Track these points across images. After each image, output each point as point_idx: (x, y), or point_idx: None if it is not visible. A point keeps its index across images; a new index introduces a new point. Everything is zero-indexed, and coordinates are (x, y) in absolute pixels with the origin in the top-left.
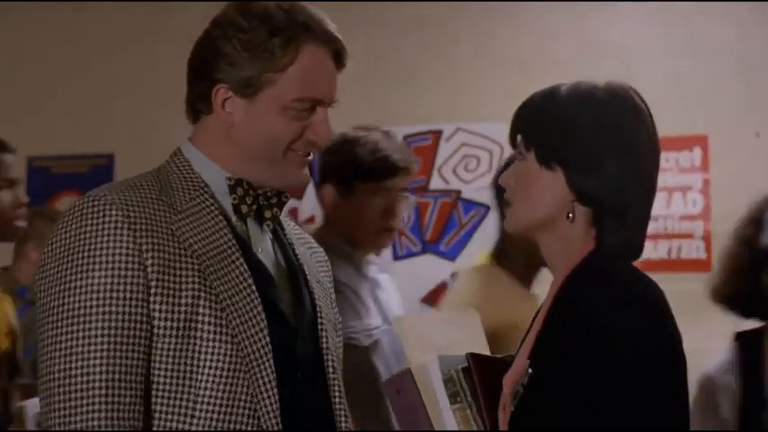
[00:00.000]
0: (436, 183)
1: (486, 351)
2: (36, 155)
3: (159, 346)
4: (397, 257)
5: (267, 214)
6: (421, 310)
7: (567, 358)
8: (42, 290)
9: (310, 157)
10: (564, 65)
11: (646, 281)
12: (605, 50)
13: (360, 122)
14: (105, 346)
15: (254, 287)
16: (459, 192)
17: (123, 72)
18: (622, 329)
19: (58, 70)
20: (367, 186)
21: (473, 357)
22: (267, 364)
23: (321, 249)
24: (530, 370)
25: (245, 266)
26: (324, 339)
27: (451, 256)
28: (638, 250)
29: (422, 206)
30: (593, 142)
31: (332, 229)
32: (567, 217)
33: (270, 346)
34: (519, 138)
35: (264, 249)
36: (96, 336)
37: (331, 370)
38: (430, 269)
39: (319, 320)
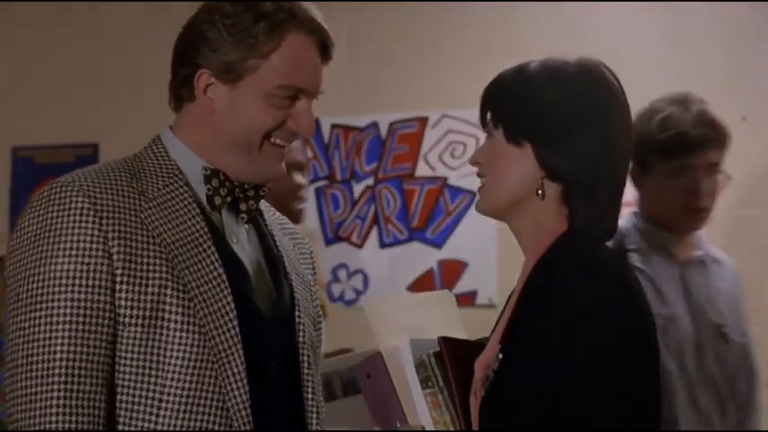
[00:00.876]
0: (422, 170)
1: (460, 334)
2: (20, 145)
3: (125, 335)
4: (383, 245)
5: (242, 206)
6: None
7: (537, 342)
8: (9, 276)
9: (286, 150)
10: (549, 51)
11: (618, 263)
12: (589, 37)
13: (345, 109)
14: (67, 333)
15: (224, 277)
16: (445, 179)
17: (108, 61)
18: (593, 314)
19: (43, 59)
20: (664, 165)
21: (445, 341)
22: (236, 355)
23: (306, 241)
24: (500, 355)
25: (216, 256)
26: (300, 333)
27: (438, 243)
28: (611, 229)
29: (408, 193)
30: (562, 117)
31: (641, 210)
32: (537, 194)
33: (239, 337)
34: (488, 116)
35: (240, 240)
36: (58, 323)
37: (306, 365)
38: (417, 256)
39: (297, 313)
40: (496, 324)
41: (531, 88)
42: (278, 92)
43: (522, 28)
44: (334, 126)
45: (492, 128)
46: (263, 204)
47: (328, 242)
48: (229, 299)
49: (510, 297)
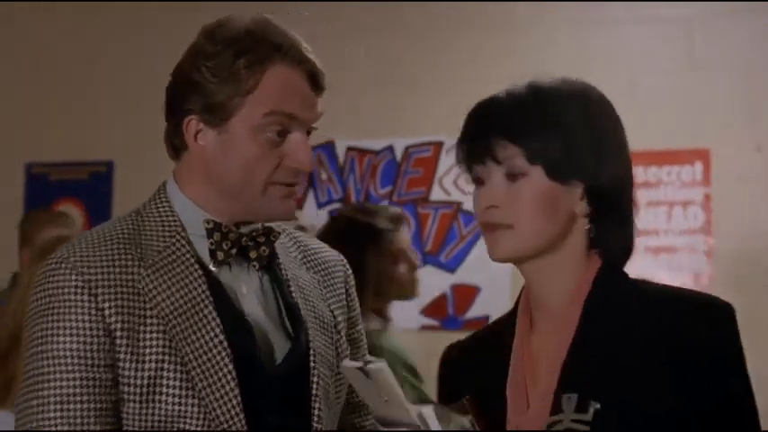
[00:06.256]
0: (437, 194)
1: None
2: (34, 161)
3: (124, 410)
4: None
5: (252, 254)
6: (420, 321)
7: (651, 385)
8: (25, 350)
9: (296, 188)
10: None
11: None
12: (606, 64)
13: (361, 132)
14: (79, 407)
15: (225, 344)
16: (459, 203)
17: (123, 79)
18: (716, 340)
19: (59, 76)
20: None
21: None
22: (239, 425)
23: (340, 267)
24: (596, 405)
25: (218, 321)
26: (314, 384)
27: (451, 267)
28: (630, 251)
29: (422, 217)
30: (605, 145)
31: None
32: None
33: (241, 407)
34: (502, 149)
35: (250, 290)
36: (69, 401)
37: (316, 418)
38: (430, 281)
39: (312, 364)
40: (513, 369)
41: (566, 117)
42: (266, 121)
43: (540, 55)
44: (349, 149)
45: (522, 165)
46: (282, 242)
47: None
48: (230, 367)
49: (521, 340)
